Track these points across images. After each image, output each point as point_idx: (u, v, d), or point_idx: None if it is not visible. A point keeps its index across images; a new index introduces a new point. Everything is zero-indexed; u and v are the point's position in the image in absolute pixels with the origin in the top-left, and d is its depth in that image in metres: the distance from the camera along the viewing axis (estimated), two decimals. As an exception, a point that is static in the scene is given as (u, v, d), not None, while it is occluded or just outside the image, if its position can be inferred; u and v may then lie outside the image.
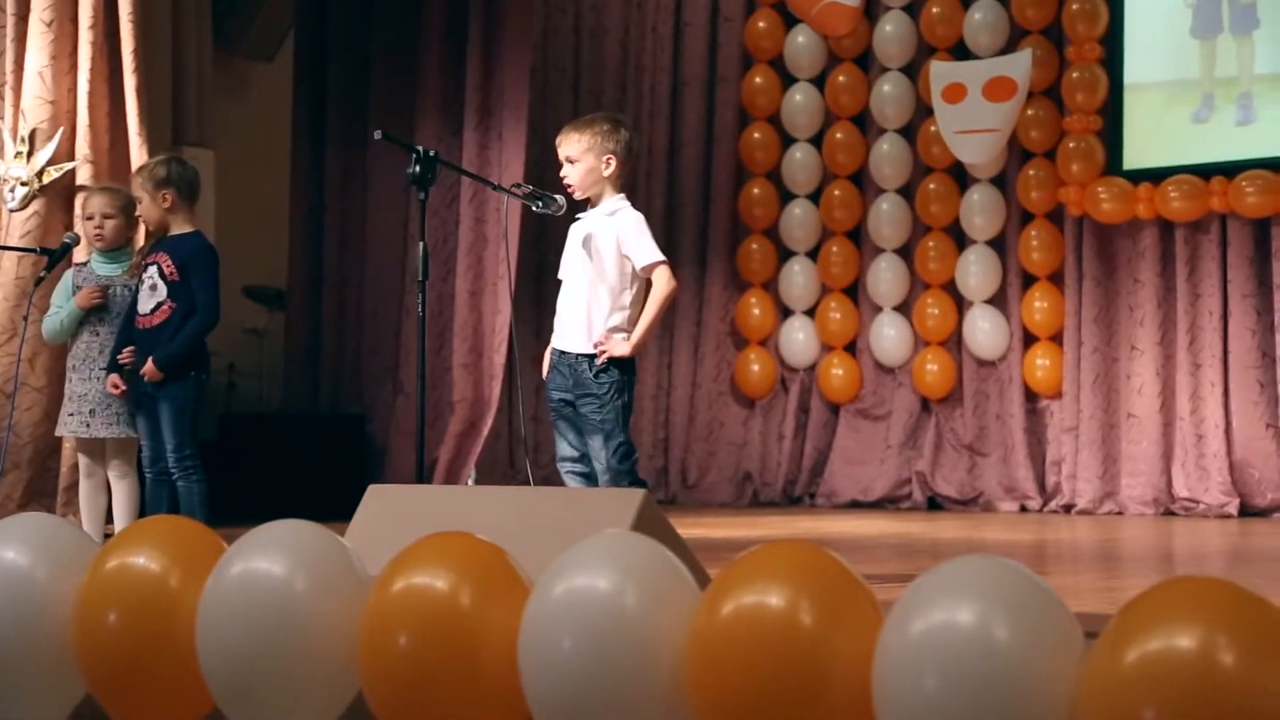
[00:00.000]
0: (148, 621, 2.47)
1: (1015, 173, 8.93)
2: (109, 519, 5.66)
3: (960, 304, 9.09)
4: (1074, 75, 8.66)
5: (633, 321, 4.59)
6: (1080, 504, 8.52)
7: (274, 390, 9.31)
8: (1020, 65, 8.62)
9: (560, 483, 4.71)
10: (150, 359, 5.19)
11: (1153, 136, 8.60)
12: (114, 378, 5.36)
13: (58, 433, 5.75)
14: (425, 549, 2.39)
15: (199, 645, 2.41)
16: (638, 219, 4.62)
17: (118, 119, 6.79)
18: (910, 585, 2.06)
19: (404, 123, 8.37)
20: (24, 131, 6.76)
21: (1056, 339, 8.82)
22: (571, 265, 4.68)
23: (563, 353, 4.64)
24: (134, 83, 6.73)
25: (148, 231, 5.47)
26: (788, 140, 9.62)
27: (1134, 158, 8.62)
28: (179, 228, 5.34)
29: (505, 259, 7.91)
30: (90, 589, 2.52)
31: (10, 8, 6.85)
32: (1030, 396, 8.90)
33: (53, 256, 5.67)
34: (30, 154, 6.74)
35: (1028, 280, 8.95)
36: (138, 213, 5.42)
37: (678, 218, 9.75)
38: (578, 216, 4.77)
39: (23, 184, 6.72)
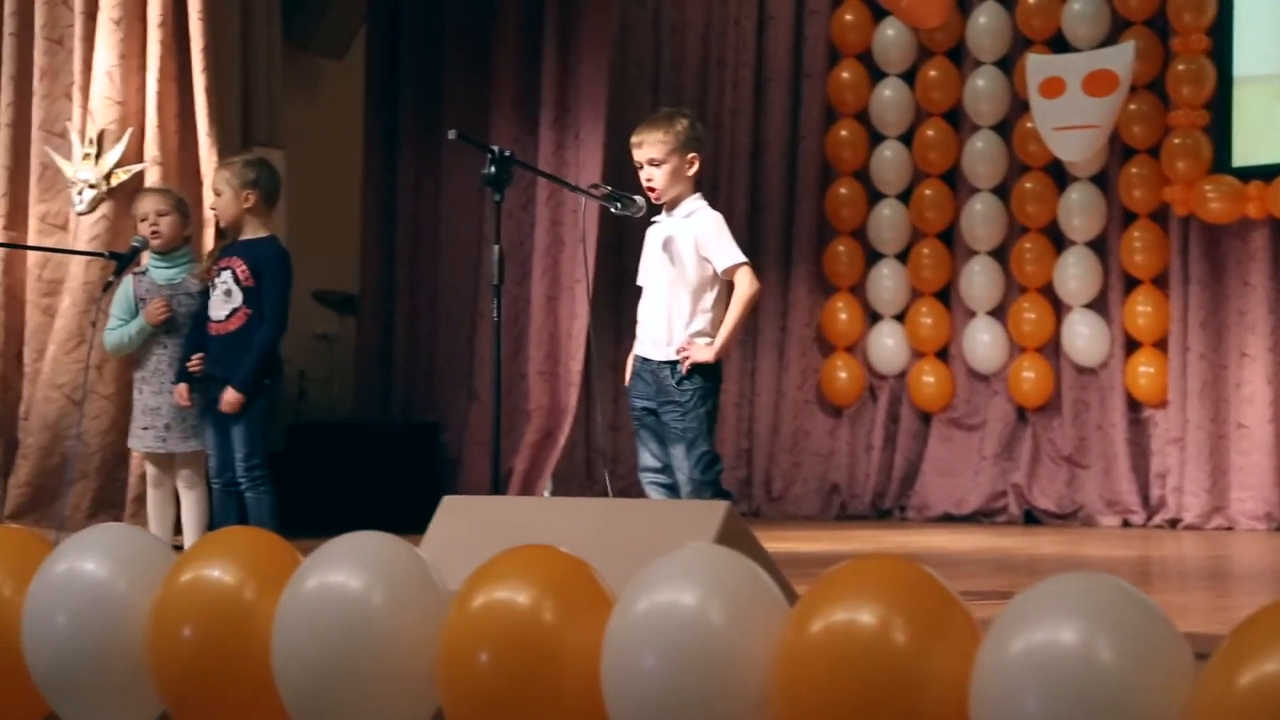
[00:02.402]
0: (223, 636, 2.50)
1: (1117, 171, 8.84)
2: (177, 530, 5.74)
3: (1058, 308, 9.00)
4: (1179, 68, 8.56)
5: (716, 325, 4.58)
6: (1187, 518, 8.41)
7: (345, 398, 9.40)
8: (1122, 58, 8.53)
9: (641, 494, 4.72)
10: (229, 387, 5.24)
11: (1263, 132, 8.48)
12: (182, 388, 5.40)
13: (131, 446, 5.84)
14: (507, 562, 2.41)
15: (274, 660, 2.45)
16: (716, 219, 4.62)
17: (187, 119, 6.89)
18: (1009, 603, 2.05)
19: (478, 122, 8.42)
20: (92, 133, 6.87)
21: (1161, 345, 8.72)
22: (651, 270, 4.68)
23: (645, 359, 4.65)
24: (203, 82, 6.82)
25: (218, 230, 5.54)
26: (876, 138, 9.58)
27: (1243, 154, 8.50)
28: (253, 231, 5.40)
29: (583, 262, 7.93)
30: (165, 602, 2.56)
31: (78, 6, 6.97)
32: (1133, 405, 8.80)
33: (121, 261, 5.75)
34: (99, 155, 6.85)
35: (1130, 283, 8.85)
36: (213, 206, 5.49)
37: (761, 219, 9.74)
38: (653, 220, 4.77)
39: (91, 186, 6.83)
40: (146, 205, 5.72)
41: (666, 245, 4.63)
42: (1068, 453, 8.88)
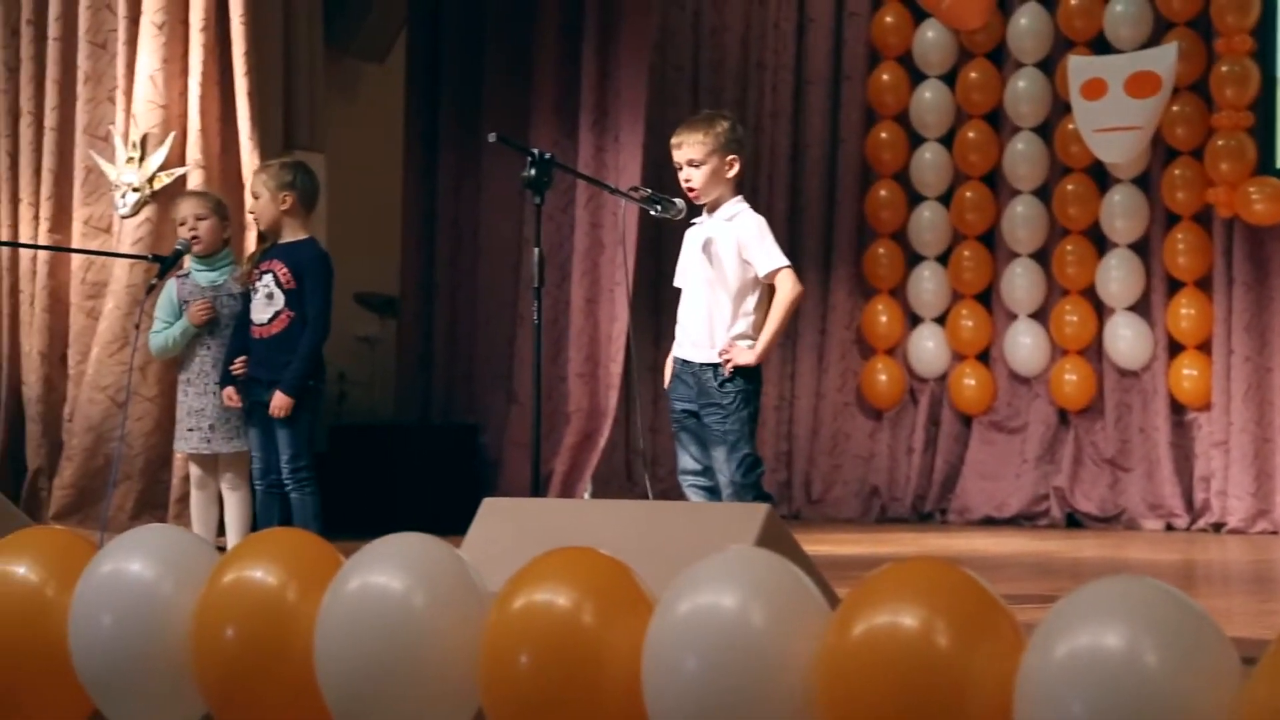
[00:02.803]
0: (265, 637, 2.51)
1: (1159, 172, 8.78)
2: (220, 531, 5.77)
3: (1100, 311, 8.95)
4: (1223, 69, 8.50)
5: (757, 328, 4.58)
6: (1231, 522, 8.35)
7: (385, 400, 9.43)
8: (1165, 59, 8.48)
9: (681, 496, 4.71)
10: (278, 391, 5.27)
11: (1308, 132, 8.42)
12: (229, 390, 5.45)
13: (176, 449, 5.88)
14: (547, 564, 2.41)
15: (317, 661, 2.46)
16: (759, 222, 4.61)
17: (229, 123, 6.93)
18: (1053, 606, 2.04)
19: (518, 124, 8.43)
20: (135, 136, 6.91)
21: (1204, 348, 8.65)
22: (690, 272, 4.67)
23: (685, 361, 4.64)
24: (245, 86, 6.86)
25: (258, 234, 5.57)
26: (916, 140, 9.55)
27: (1288, 155, 8.44)
28: (292, 234, 5.43)
29: (623, 265, 7.95)
30: (207, 603, 2.57)
31: (121, 10, 7.02)
32: (1176, 408, 8.74)
33: (165, 263, 5.78)
34: (142, 159, 6.90)
35: (1173, 286, 8.79)
36: (251, 210, 5.51)
37: (801, 221, 9.72)
38: (693, 221, 4.77)
39: (134, 190, 6.88)
40: (185, 209, 5.75)
41: (706, 247, 4.63)
42: (1110, 455, 8.83)
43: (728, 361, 4.53)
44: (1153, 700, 1.88)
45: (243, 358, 5.43)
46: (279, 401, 5.25)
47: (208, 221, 5.70)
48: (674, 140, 4.66)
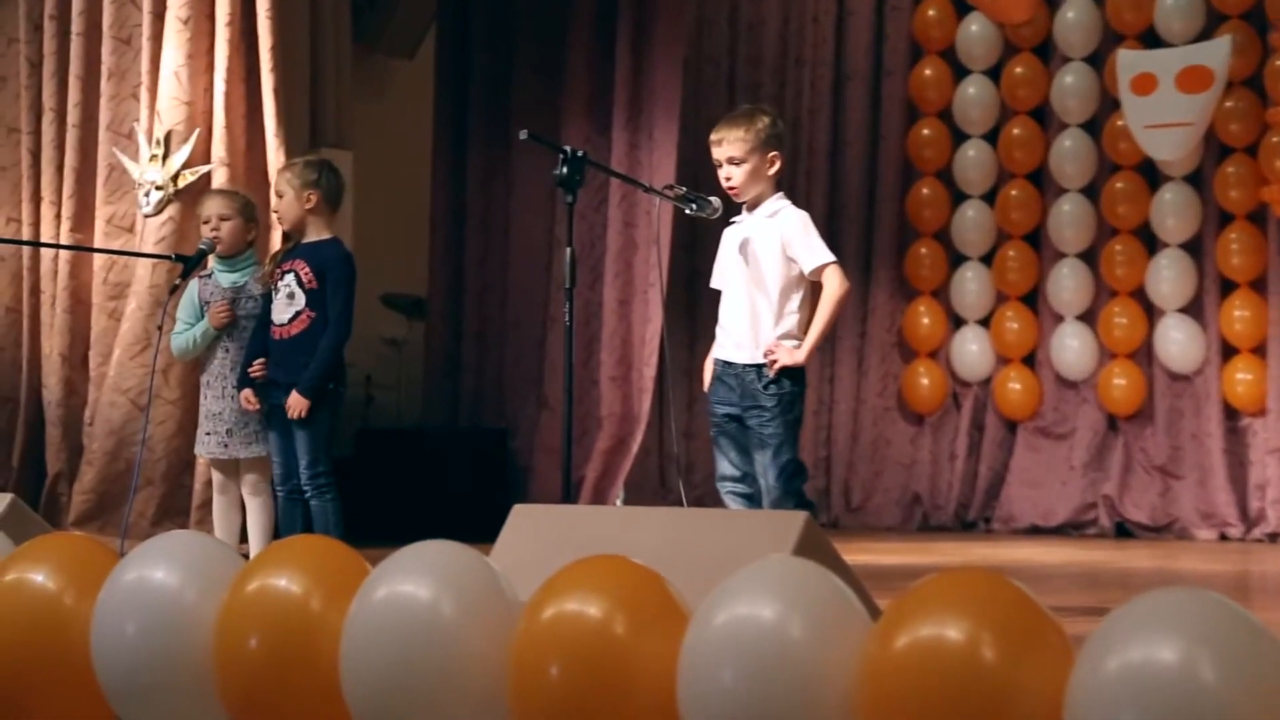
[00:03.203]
0: (289, 646, 2.51)
1: (1212, 170, 8.73)
2: (243, 538, 5.78)
3: (1150, 313, 8.90)
4: (1278, 64, 8.44)
5: (803, 327, 4.57)
6: (1287, 532, 8.30)
7: (413, 404, 9.45)
8: (1218, 53, 8.43)
9: (718, 503, 4.70)
10: (295, 392, 5.28)
11: (1367, 129, 8.35)
12: (247, 393, 5.46)
13: (196, 452, 5.90)
14: (578, 573, 2.40)
15: (343, 671, 2.45)
16: (803, 218, 4.61)
17: (254, 120, 6.96)
18: (1105, 619, 2.02)
19: (550, 121, 8.44)
20: (159, 134, 6.95)
21: (1259, 351, 8.60)
22: (729, 272, 4.67)
23: (727, 363, 4.63)
24: (271, 82, 6.89)
25: (283, 233, 5.58)
26: (960, 137, 9.52)
27: (1346, 152, 8.37)
28: (316, 233, 5.44)
29: (657, 265, 7.94)
30: (230, 611, 2.57)
31: (146, 6, 7.06)
32: (1230, 414, 8.69)
33: (188, 264, 5.80)
34: (165, 157, 6.93)
35: (1226, 287, 8.74)
36: (275, 208, 5.53)
37: (840, 221, 9.70)
38: (731, 220, 4.76)
39: (158, 188, 6.92)
40: (210, 208, 5.78)
41: (747, 246, 4.62)
42: (1161, 463, 8.77)
43: (773, 362, 4.51)
44: (1208, 715, 1.85)
45: (261, 360, 5.43)
46: (294, 402, 5.26)
47: (231, 222, 5.72)
48: (713, 137, 4.66)
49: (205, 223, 5.77)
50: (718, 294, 4.78)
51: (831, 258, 4.56)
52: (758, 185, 4.62)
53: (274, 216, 5.68)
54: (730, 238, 4.71)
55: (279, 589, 2.55)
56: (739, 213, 4.73)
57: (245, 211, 5.78)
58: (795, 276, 4.58)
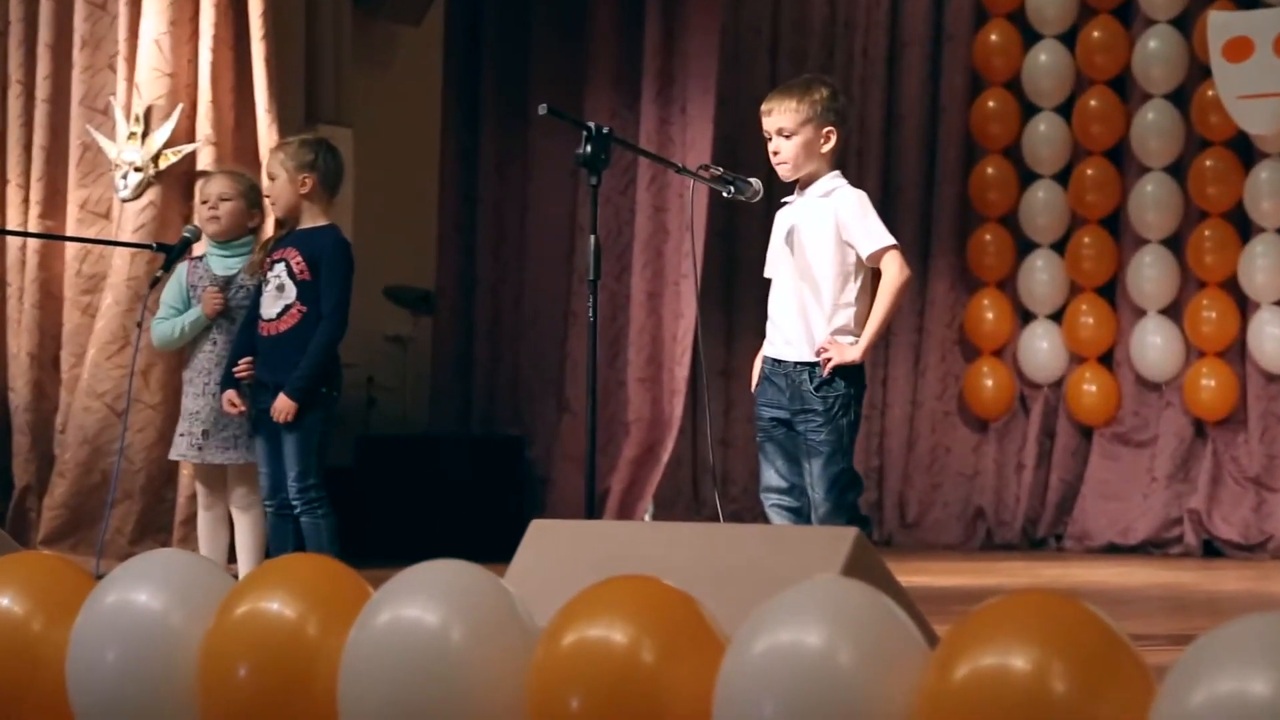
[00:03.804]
0: (282, 675, 2.53)
1: (1313, 146, 8.71)
2: (232, 557, 5.80)
3: (1244, 306, 8.88)
4: (1388, 25, 8.42)
5: (860, 320, 4.57)
6: (1396, 551, 8.28)
7: (419, 408, 9.48)
8: (1320, 14, 8.41)
9: (758, 517, 4.71)
10: (281, 394, 5.29)
11: None
12: (230, 394, 5.46)
13: (170, 455, 5.91)
14: (601, 596, 2.41)
15: (341, 704, 2.47)
16: (860, 198, 4.61)
17: (244, 94, 6.98)
18: (1188, 647, 2.02)
19: (572, 95, 8.46)
20: (138, 110, 6.98)
21: (1365, 349, 8.58)
22: (781, 258, 4.67)
23: (777, 362, 4.63)
24: (262, 51, 6.91)
25: (276, 221, 5.60)
26: (1030, 110, 9.50)
27: None
28: (311, 220, 5.45)
29: (690, 254, 7.95)
30: (217, 637, 2.59)
31: (124, -34, 7.09)
32: (1332, 419, 8.67)
33: (170, 253, 5.81)
34: (145, 135, 6.96)
35: (1329, 277, 8.72)
36: (267, 193, 5.52)
37: (895, 204, 9.69)
38: (784, 201, 4.77)
39: (136, 170, 6.94)
40: (211, 188, 5.78)
41: (796, 230, 4.63)
42: (1254, 473, 8.75)
43: (827, 360, 4.51)
44: (1305, 756, 1.86)
45: (248, 359, 5.44)
46: (280, 405, 5.26)
47: (232, 204, 5.73)
48: (764, 107, 4.67)
49: (204, 203, 5.79)
50: (758, 286, 4.79)
51: (892, 241, 4.57)
52: (810, 162, 4.62)
53: (266, 202, 5.68)
54: (782, 220, 4.72)
55: (271, 613, 2.56)
56: (790, 193, 4.74)
57: (249, 195, 5.78)
58: (852, 263, 4.58)
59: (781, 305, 4.66)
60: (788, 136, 4.60)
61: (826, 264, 4.57)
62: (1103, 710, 2.03)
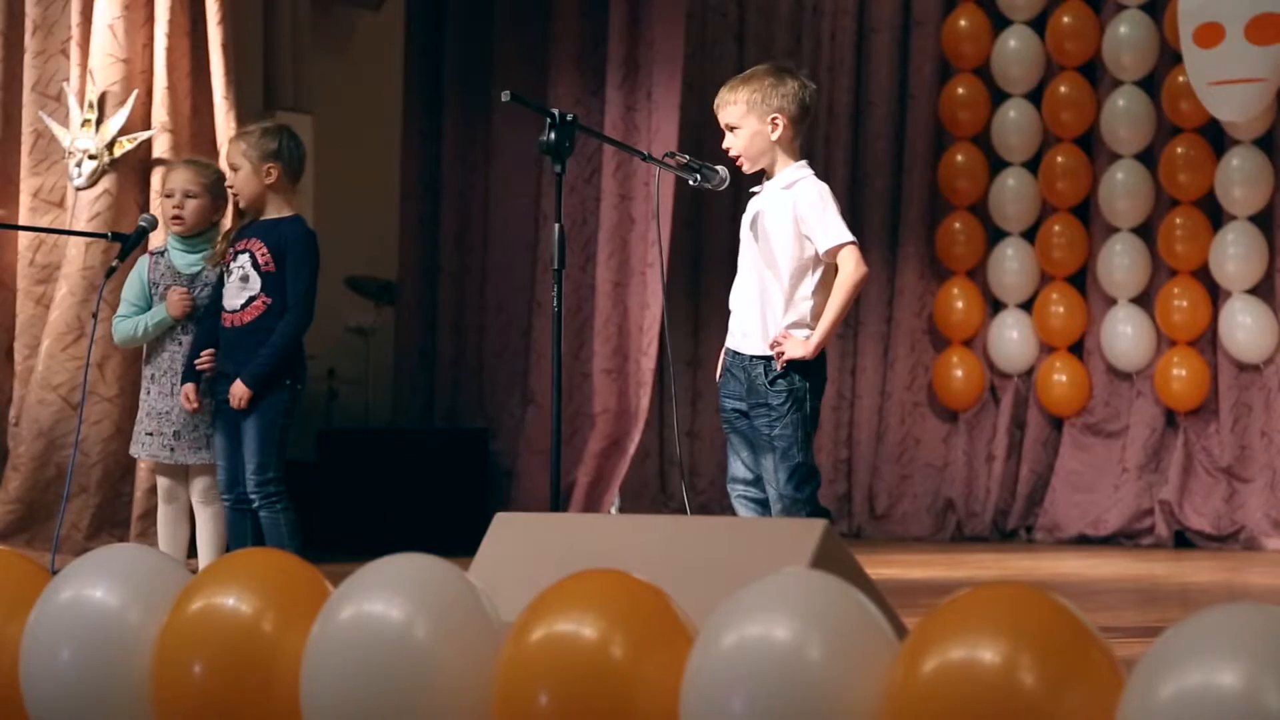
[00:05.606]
0: (239, 673, 2.52)
1: (1284, 132, 8.76)
2: (192, 552, 5.79)
3: (1215, 295, 8.92)
4: (1361, 11, 8.46)
5: (817, 315, 4.58)
6: (1368, 542, 8.33)
7: (382, 401, 9.47)
8: (1291, -1, 8.44)
9: (726, 509, 4.72)
10: (238, 379, 5.27)
11: None
12: (188, 389, 5.42)
13: (133, 453, 5.85)
14: (569, 590, 2.42)
15: (303, 701, 2.47)
16: (820, 191, 4.62)
17: (200, 79, 6.96)
18: (1159, 639, 2.04)
19: (535, 81, 8.46)
20: (92, 96, 6.95)
21: (1337, 338, 8.63)
22: (745, 248, 4.69)
23: (736, 354, 4.65)
24: (219, 35, 6.88)
25: (237, 211, 5.57)
26: (999, 96, 9.52)
27: None
28: (276, 210, 5.42)
29: (656, 243, 7.95)
30: (171, 632, 2.58)
31: (77, -51, 7.06)
32: (1304, 409, 8.72)
33: (126, 243, 5.77)
34: (99, 122, 6.93)
35: (1301, 265, 8.77)
36: (230, 184, 5.48)
37: (863, 192, 9.71)
38: (753, 190, 4.78)
39: (90, 157, 6.92)
40: (176, 180, 5.68)
41: (759, 220, 4.64)
42: (1226, 464, 8.80)
43: (779, 354, 4.53)
44: (1275, 748, 1.87)
45: (210, 351, 5.41)
46: (236, 390, 5.24)
47: (197, 201, 5.63)
48: (715, 102, 4.71)
49: (167, 196, 5.68)
50: (725, 275, 4.81)
51: (849, 238, 4.57)
52: (764, 153, 4.64)
53: (229, 192, 5.62)
54: (749, 209, 4.74)
55: (226, 608, 2.55)
56: (759, 182, 4.75)
57: (214, 189, 5.66)
58: (810, 257, 4.59)
59: (741, 296, 4.68)
60: (734, 130, 4.64)
61: (786, 256, 4.58)
62: (1070, 703, 2.05)
